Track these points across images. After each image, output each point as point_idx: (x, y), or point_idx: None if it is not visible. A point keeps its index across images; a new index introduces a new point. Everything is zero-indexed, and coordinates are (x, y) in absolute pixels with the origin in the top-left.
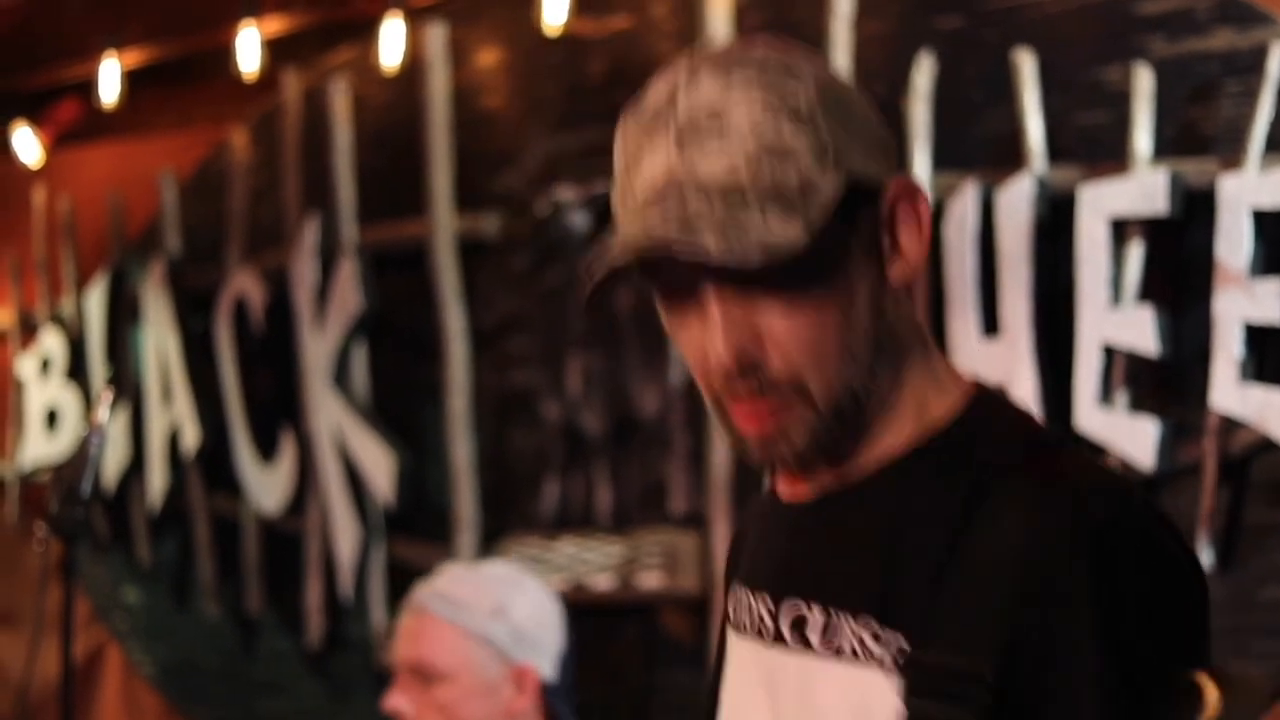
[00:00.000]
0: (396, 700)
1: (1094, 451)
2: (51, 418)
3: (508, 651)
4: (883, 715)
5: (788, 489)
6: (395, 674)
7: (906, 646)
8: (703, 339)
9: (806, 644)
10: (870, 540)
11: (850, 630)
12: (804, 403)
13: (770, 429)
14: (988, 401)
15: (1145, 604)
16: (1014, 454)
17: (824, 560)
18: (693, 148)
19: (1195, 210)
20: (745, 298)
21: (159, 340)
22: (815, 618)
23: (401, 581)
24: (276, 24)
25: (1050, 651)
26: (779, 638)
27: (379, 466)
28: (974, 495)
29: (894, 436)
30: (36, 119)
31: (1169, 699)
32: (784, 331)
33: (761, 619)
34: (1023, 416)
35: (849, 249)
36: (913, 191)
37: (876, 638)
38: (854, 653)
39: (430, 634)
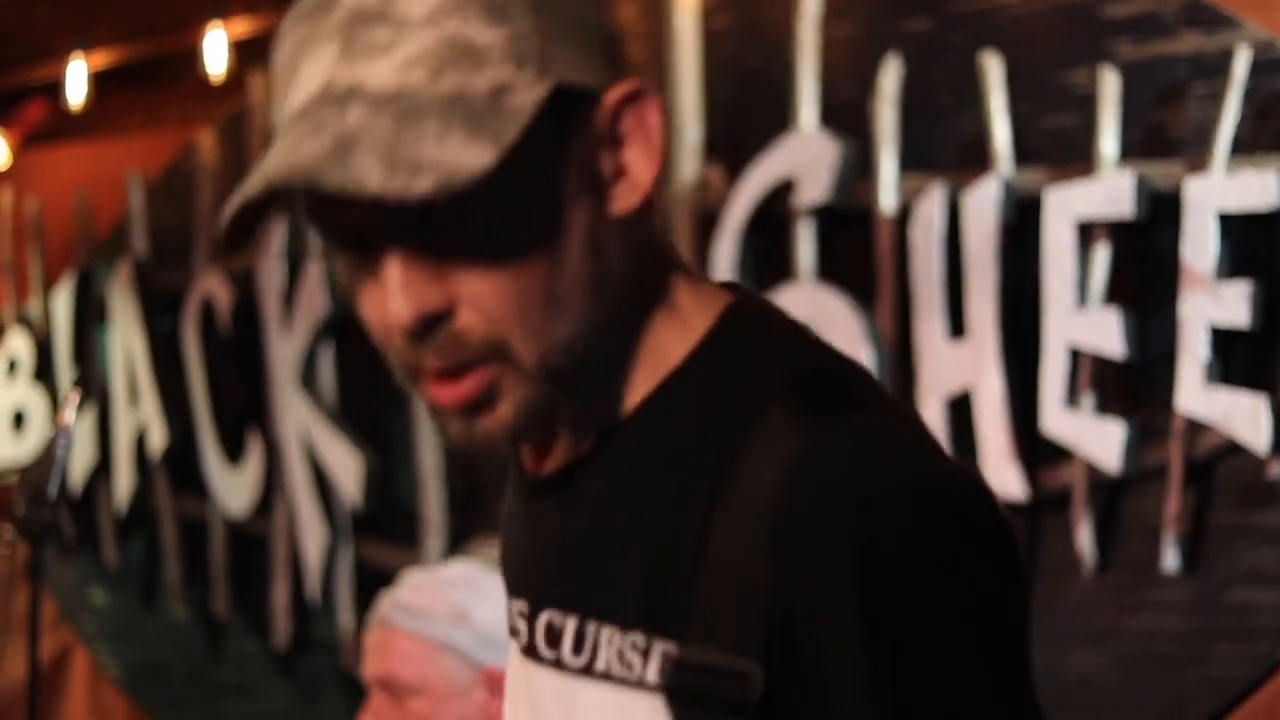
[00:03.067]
0: (368, 717)
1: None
2: (18, 419)
3: (474, 656)
4: None
5: (530, 459)
6: (368, 691)
7: (675, 652)
8: (380, 299)
9: (559, 662)
10: (614, 527)
11: (611, 645)
12: (507, 366)
13: (472, 397)
14: (736, 324)
15: (924, 583)
16: (771, 387)
17: (570, 557)
18: (358, 46)
19: (1161, 213)
20: (429, 239)
21: (126, 342)
22: (570, 630)
23: (369, 583)
24: (244, 26)
25: (811, 640)
26: (533, 652)
27: (346, 468)
28: (724, 446)
29: (634, 391)
30: (3, 120)
31: (955, 694)
32: (476, 282)
33: (516, 628)
34: (782, 333)
35: (557, 175)
36: (639, 97)
37: (642, 652)
38: (613, 673)
39: (394, 647)
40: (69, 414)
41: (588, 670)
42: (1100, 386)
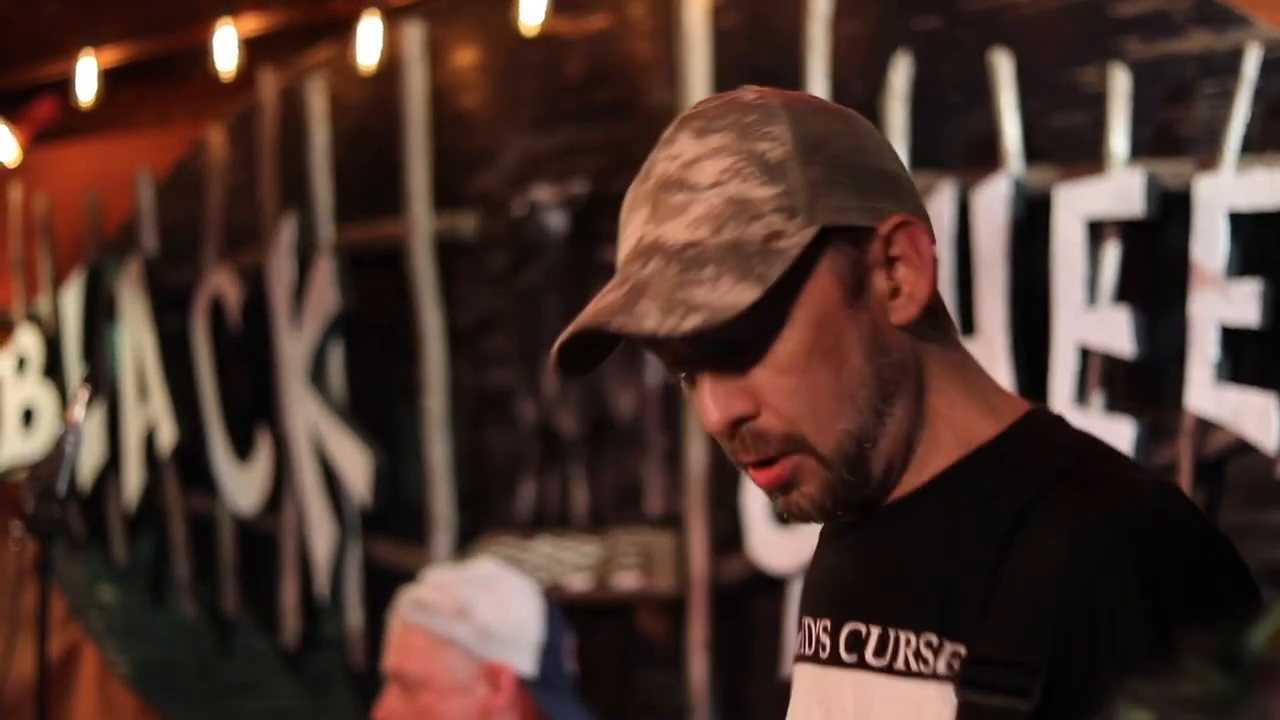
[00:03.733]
0: (380, 710)
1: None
2: (28, 416)
3: (476, 651)
4: None
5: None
6: (386, 684)
7: (963, 653)
8: (704, 403)
9: (863, 662)
10: (924, 556)
11: (909, 646)
12: (807, 455)
13: (778, 481)
14: (1037, 420)
15: (1195, 597)
16: (1062, 462)
17: (878, 580)
18: (661, 209)
19: (1171, 211)
20: (731, 360)
21: (135, 339)
22: (872, 636)
23: (377, 581)
24: (254, 23)
25: (1102, 642)
26: (835, 658)
27: (355, 466)
28: (1024, 502)
29: (939, 458)
30: (13, 117)
31: None
32: (772, 387)
33: (819, 641)
34: (1077, 434)
35: (832, 296)
36: (908, 226)
37: (935, 650)
38: (910, 668)
39: (404, 641)
40: (78, 411)
41: (888, 669)
42: (1110, 385)
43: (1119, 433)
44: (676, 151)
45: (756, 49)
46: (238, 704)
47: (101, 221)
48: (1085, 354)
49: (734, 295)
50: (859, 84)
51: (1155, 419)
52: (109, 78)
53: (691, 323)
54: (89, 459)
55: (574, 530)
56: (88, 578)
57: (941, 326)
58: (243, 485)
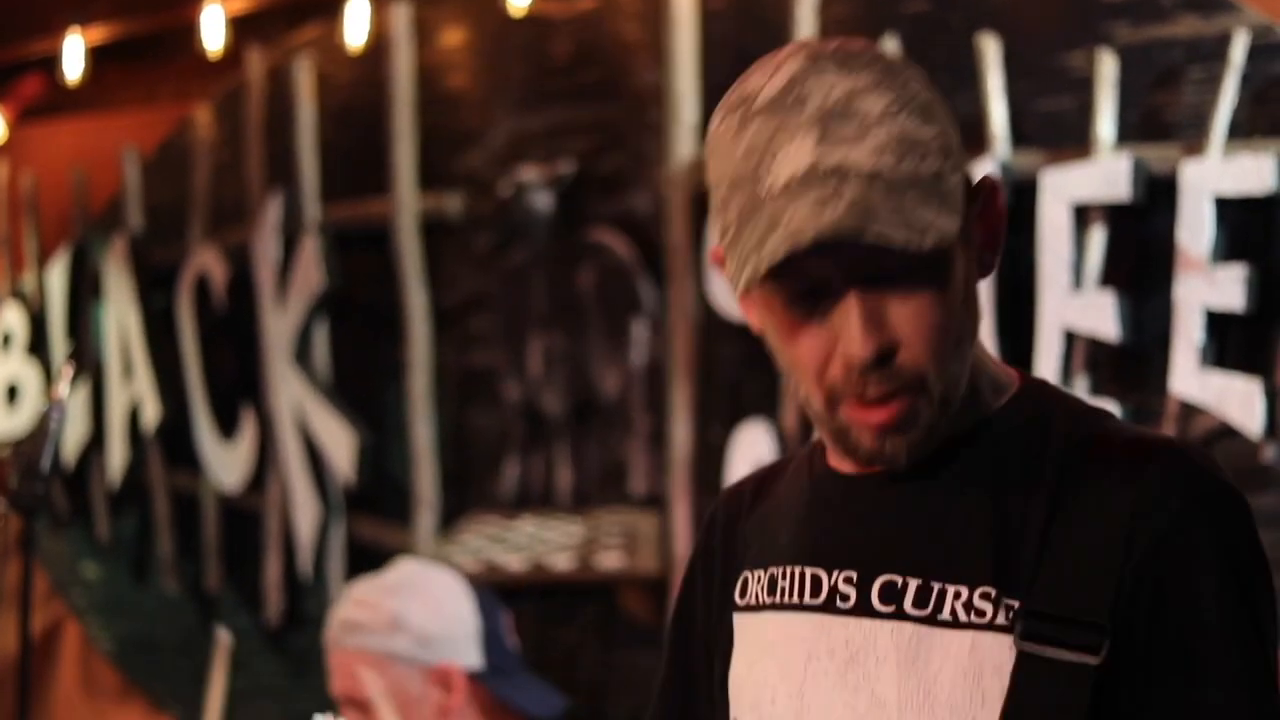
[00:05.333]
0: None
1: None
2: (12, 393)
3: (418, 659)
4: (994, 674)
5: (847, 465)
6: (339, 710)
7: (1017, 607)
8: (824, 340)
9: (901, 613)
10: (966, 511)
11: (959, 599)
12: (922, 396)
13: (895, 420)
14: (1041, 383)
15: (1258, 558)
16: (1083, 426)
17: (913, 533)
18: (834, 136)
19: (1157, 196)
20: (879, 292)
21: (120, 316)
22: (910, 588)
23: (361, 560)
24: (241, 2)
25: (1176, 600)
26: (864, 608)
27: (339, 445)
28: (1059, 463)
29: (968, 415)
30: (0, 95)
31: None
32: (911, 324)
33: (834, 590)
34: (1072, 396)
35: (964, 242)
36: (997, 187)
37: (993, 601)
38: (961, 619)
39: (344, 667)
40: (62, 388)
41: (931, 619)
42: (1095, 369)
43: None
44: (829, 81)
45: (744, 30)
46: None
47: (87, 199)
48: (1070, 338)
49: (945, 221)
50: None
51: (1140, 403)
52: (96, 56)
53: (929, 240)
54: (73, 436)
55: (558, 510)
56: (71, 554)
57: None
58: (227, 463)
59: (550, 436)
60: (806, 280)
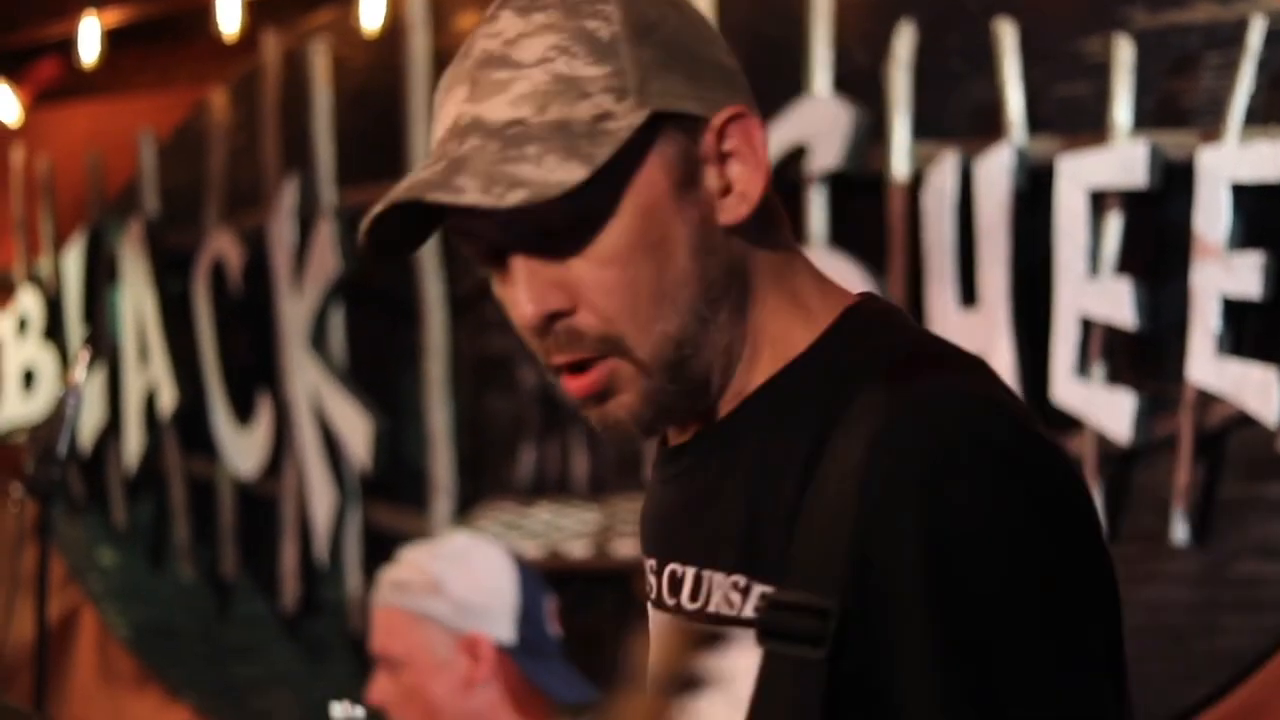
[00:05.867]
0: (374, 693)
1: (1066, 424)
2: (28, 378)
3: (452, 624)
4: (746, 675)
5: (673, 433)
6: (376, 667)
7: (770, 593)
8: (515, 296)
9: (680, 607)
10: (729, 490)
11: (720, 589)
12: (625, 360)
13: (594, 388)
14: (856, 320)
15: (980, 537)
16: (872, 370)
17: (689, 517)
18: (481, 86)
19: (1174, 183)
20: (549, 249)
21: (136, 301)
22: (687, 578)
23: (377, 546)
24: None
25: (881, 587)
26: (660, 601)
27: (356, 430)
28: (826, 420)
29: (756, 376)
30: (15, 78)
31: (1000, 641)
32: (590, 281)
33: (649, 582)
34: (901, 332)
35: (660, 186)
36: (742, 119)
37: (742, 591)
38: (721, 613)
39: (384, 623)
40: (79, 373)
41: (702, 613)
42: (1111, 356)
43: (1120, 404)
44: (499, 29)
45: (760, 16)
46: (236, 667)
47: (103, 183)
48: (1087, 325)
49: (560, 173)
50: (863, 52)
51: (1156, 391)
52: (111, 39)
53: (515, 197)
54: (89, 421)
55: (574, 497)
56: (87, 540)
57: (772, 229)
58: (243, 449)
59: (566, 423)
60: (480, 243)
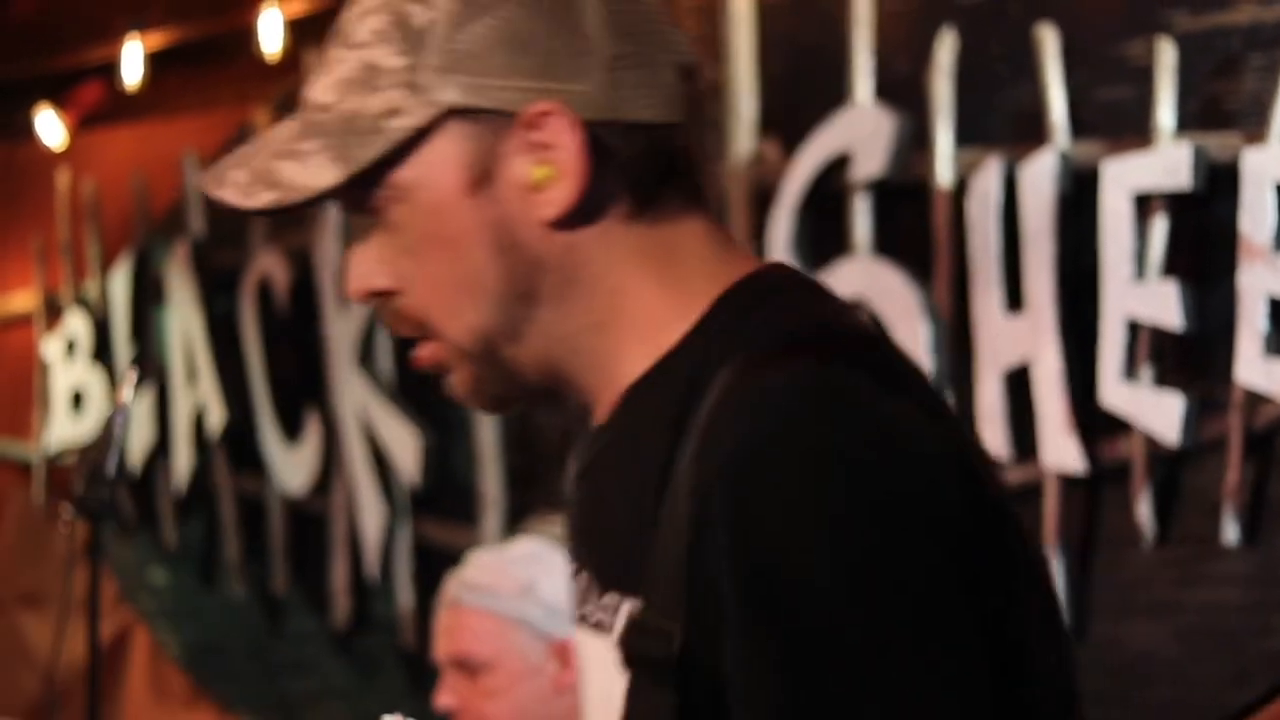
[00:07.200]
0: (445, 698)
1: (1116, 426)
2: (77, 399)
3: (544, 628)
4: (620, 699)
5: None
6: (441, 672)
7: (633, 613)
8: None
9: (585, 618)
10: (600, 497)
11: (602, 601)
12: (444, 343)
13: (428, 363)
14: (736, 302)
15: (799, 538)
16: (733, 361)
17: (585, 521)
18: (319, 72)
19: (1219, 185)
20: (386, 234)
21: (183, 321)
22: (593, 589)
23: (427, 561)
24: (299, 5)
25: (709, 600)
26: (579, 611)
27: (404, 446)
28: (683, 419)
29: (628, 367)
30: (59, 102)
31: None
32: (402, 268)
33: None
34: (784, 310)
35: (447, 183)
36: (551, 116)
37: (613, 610)
38: (605, 625)
39: (465, 626)
40: (127, 393)
41: (598, 626)
42: (1159, 359)
43: (1168, 406)
44: (357, 12)
45: (802, 25)
46: (288, 684)
47: (148, 205)
48: (1134, 328)
49: (315, 176)
50: (905, 59)
51: (1204, 393)
52: (154, 61)
53: (262, 200)
54: (138, 442)
55: None
56: (138, 560)
57: (638, 214)
58: (292, 466)
59: None
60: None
